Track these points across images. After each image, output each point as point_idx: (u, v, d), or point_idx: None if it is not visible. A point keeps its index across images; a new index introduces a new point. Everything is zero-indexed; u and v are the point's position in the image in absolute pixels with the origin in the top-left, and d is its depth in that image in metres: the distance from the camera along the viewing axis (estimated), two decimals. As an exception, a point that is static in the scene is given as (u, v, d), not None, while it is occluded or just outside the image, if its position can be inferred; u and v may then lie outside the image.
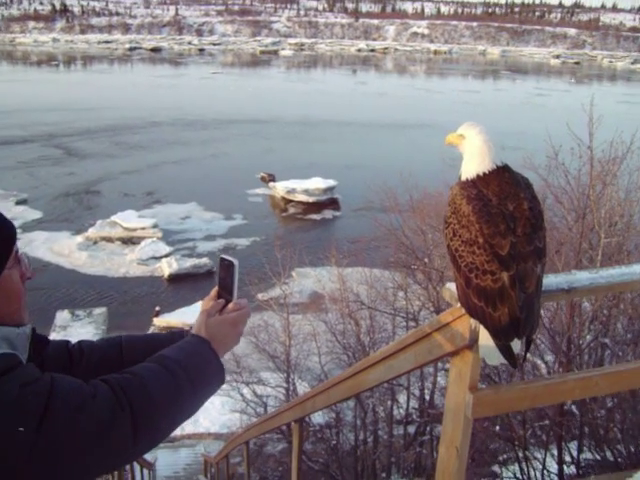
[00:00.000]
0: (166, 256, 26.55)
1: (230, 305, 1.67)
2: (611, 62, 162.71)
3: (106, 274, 25.49)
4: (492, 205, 1.77)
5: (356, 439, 12.04)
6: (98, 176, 38.08)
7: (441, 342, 2.04)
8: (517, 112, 61.22)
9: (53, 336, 16.62)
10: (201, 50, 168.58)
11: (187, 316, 19.27)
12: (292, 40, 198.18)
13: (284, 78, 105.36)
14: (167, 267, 25.46)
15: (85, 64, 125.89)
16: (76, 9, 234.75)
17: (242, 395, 13.42)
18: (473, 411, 1.96)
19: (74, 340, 1.86)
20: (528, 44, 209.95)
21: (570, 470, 5.31)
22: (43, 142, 47.00)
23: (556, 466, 5.26)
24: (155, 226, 29.08)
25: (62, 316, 22.02)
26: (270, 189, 35.92)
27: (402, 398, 12.48)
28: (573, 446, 5.59)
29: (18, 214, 28.44)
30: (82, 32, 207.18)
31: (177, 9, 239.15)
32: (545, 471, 5.37)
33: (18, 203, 30.94)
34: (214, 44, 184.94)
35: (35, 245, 26.46)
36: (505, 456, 6.36)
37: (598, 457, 5.11)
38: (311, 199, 33.76)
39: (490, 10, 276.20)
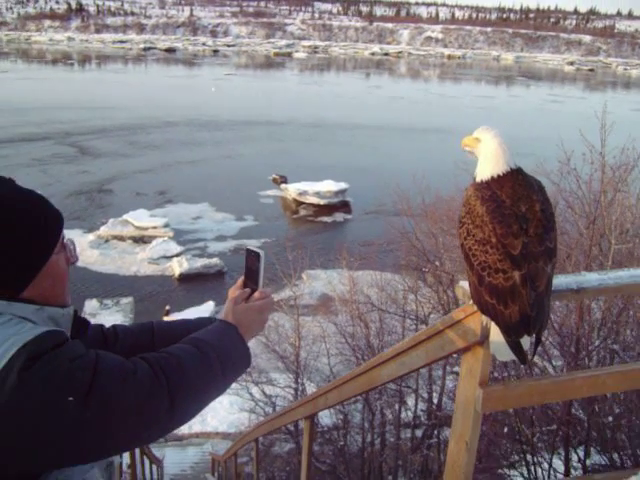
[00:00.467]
0: (177, 255, 26.66)
1: (256, 294, 1.77)
2: (626, 70, 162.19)
3: (117, 272, 25.64)
4: (505, 206, 1.83)
5: (363, 441, 12.07)
6: (111, 175, 38.27)
7: (453, 338, 2.10)
8: (531, 118, 61.05)
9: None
10: (215, 51, 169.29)
11: (197, 316, 19.37)
12: (306, 43, 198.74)
13: (298, 80, 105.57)
14: (178, 266, 25.56)
15: (100, 63, 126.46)
16: (92, 8, 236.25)
17: (251, 395, 13.47)
18: (483, 406, 2.02)
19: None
20: (542, 50, 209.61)
21: (577, 473, 5.35)
22: (57, 140, 47.28)
23: (563, 468, 5.30)
24: (166, 225, 29.21)
25: (91, 304, 22.67)
26: (282, 191, 35.98)
27: (410, 401, 12.50)
28: (580, 451, 5.63)
29: (31, 211, 28.45)
30: (97, 31, 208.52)
31: (192, 10, 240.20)
32: (552, 471, 5.42)
33: (31, 200, 30.85)
34: (228, 45, 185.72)
35: (47, 242, 26.56)
36: (512, 459, 6.39)
37: (605, 461, 5.14)
38: (322, 201, 33.80)
39: (505, 16, 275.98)
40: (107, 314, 21.65)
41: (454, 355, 2.43)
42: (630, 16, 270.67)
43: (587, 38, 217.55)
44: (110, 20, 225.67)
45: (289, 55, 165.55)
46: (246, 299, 1.76)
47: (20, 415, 1.22)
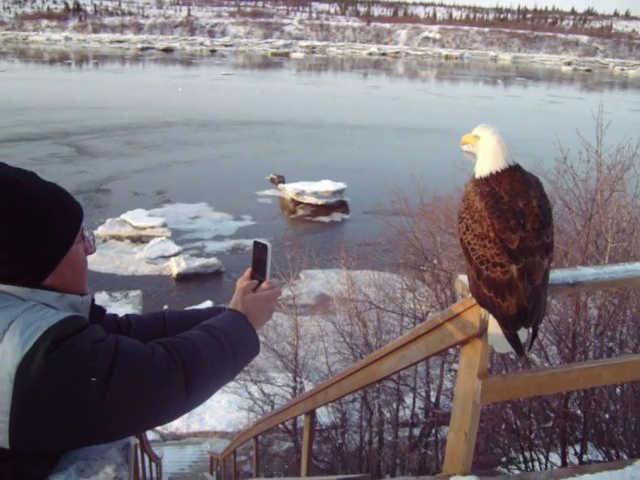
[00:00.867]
0: (175, 255, 26.63)
1: (263, 284, 1.84)
2: (623, 70, 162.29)
3: (115, 272, 25.62)
4: (503, 202, 1.88)
5: (361, 440, 12.10)
6: (108, 175, 38.22)
7: (452, 331, 2.15)
8: (529, 118, 61.11)
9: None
10: (213, 51, 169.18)
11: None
12: (303, 43, 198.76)
13: (295, 80, 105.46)
14: (175, 266, 25.56)
15: (97, 63, 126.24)
16: (89, 8, 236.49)
17: (249, 393, 13.49)
18: (482, 397, 2.07)
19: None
20: (539, 51, 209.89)
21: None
22: (54, 140, 47.18)
23: (560, 463, 5.35)
24: (164, 225, 29.19)
25: (101, 297, 22.58)
26: (279, 191, 35.96)
27: (408, 399, 12.54)
28: (578, 447, 5.68)
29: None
30: (95, 31, 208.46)
31: (189, 10, 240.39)
32: (549, 465, 5.47)
33: (29, 200, 30.88)
34: (226, 45, 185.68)
35: (45, 242, 26.55)
36: (510, 455, 6.45)
37: (602, 455, 5.19)
38: (320, 201, 33.79)
39: (502, 16, 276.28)
40: (117, 306, 21.76)
41: (452, 350, 2.47)
42: (627, 16, 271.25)
43: (584, 38, 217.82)
44: (107, 20, 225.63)
45: (287, 55, 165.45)
46: (254, 289, 1.83)
47: (45, 395, 1.28)
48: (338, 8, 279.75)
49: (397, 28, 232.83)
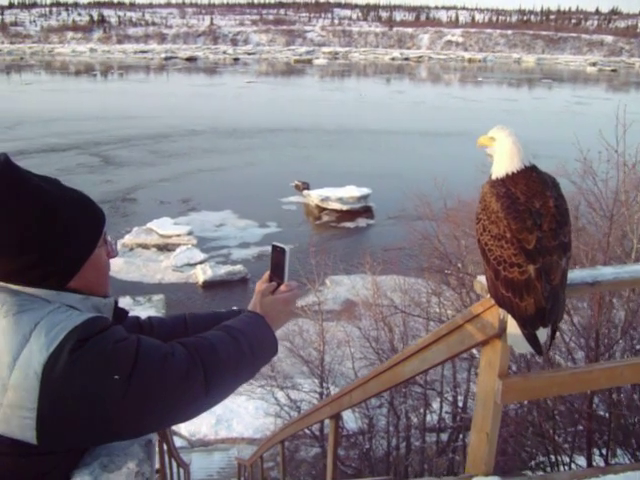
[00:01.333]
0: (201, 263, 26.75)
1: (282, 287, 1.89)
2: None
3: (142, 280, 25.81)
4: (520, 202, 1.90)
5: (389, 445, 12.09)
6: (134, 183, 38.58)
7: (472, 332, 2.16)
8: (555, 120, 60.55)
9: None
10: (236, 59, 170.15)
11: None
12: (326, 49, 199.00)
13: (319, 87, 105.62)
14: (201, 274, 25.68)
15: (122, 74, 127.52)
16: (113, 20, 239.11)
17: (276, 399, 13.54)
18: (502, 397, 2.08)
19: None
20: (564, 52, 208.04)
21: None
22: (81, 150, 47.72)
23: (585, 465, 5.31)
24: (190, 233, 29.37)
25: (124, 301, 22.86)
26: (304, 197, 35.99)
27: (435, 404, 12.48)
28: (604, 450, 5.63)
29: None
30: (119, 42, 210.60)
31: (212, 19, 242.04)
32: (574, 466, 5.43)
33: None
34: (249, 53, 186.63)
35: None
36: (537, 459, 6.40)
37: (628, 457, 5.14)
38: (345, 207, 33.76)
39: (525, 18, 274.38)
40: (140, 309, 22.04)
41: (478, 353, 2.48)
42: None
43: (609, 38, 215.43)
44: (131, 31, 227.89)
45: (309, 62, 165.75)
46: (272, 292, 1.88)
47: (70, 392, 1.34)
48: (360, 14, 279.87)
49: (419, 32, 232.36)
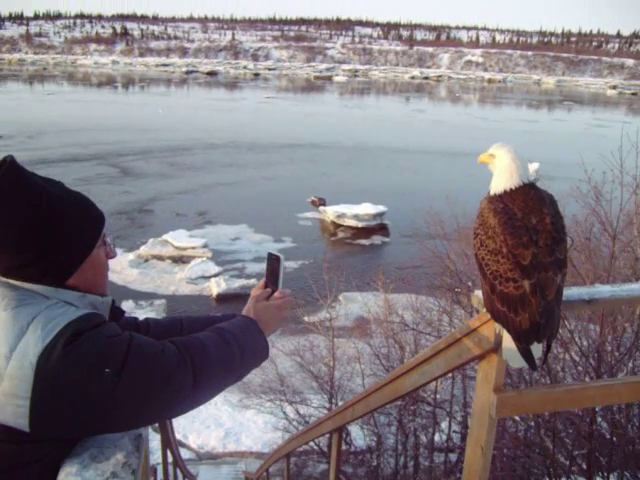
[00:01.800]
0: (215, 276, 26.81)
1: (276, 294, 1.96)
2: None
3: (156, 291, 25.90)
4: (516, 218, 1.93)
5: (396, 464, 12.05)
6: (152, 195, 38.84)
7: (469, 346, 2.19)
8: (575, 142, 60.30)
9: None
10: (256, 75, 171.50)
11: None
12: (346, 66, 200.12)
13: (338, 104, 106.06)
14: (215, 287, 25.73)
15: (143, 86, 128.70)
16: (136, 33, 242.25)
17: (285, 414, 13.53)
18: (497, 411, 2.09)
19: None
20: (584, 74, 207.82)
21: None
22: (100, 160, 48.13)
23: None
24: (205, 246, 29.47)
25: (127, 304, 23.18)
26: (320, 213, 36.07)
27: (444, 424, 12.44)
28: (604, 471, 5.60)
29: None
30: (141, 55, 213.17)
31: (234, 34, 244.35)
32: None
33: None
34: (269, 69, 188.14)
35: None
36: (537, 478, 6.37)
37: (628, 478, 5.12)
38: (360, 224, 33.77)
39: (546, 39, 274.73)
40: (142, 313, 22.38)
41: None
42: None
43: (630, 62, 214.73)
44: (154, 44, 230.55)
45: (329, 79, 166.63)
46: (267, 298, 1.95)
47: (63, 383, 1.40)
48: (381, 32, 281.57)
49: (440, 52, 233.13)
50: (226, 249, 30.52)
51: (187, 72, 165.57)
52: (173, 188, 40.74)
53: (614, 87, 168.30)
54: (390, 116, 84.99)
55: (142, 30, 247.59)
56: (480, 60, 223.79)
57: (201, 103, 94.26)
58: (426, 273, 16.69)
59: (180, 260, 28.65)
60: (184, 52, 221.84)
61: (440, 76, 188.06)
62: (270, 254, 1.99)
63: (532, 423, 5.86)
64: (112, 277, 25.88)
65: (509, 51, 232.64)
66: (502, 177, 2.02)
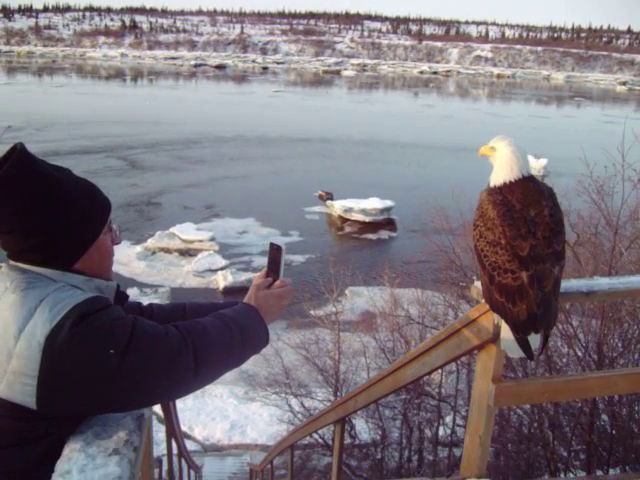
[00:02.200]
0: (222, 269, 26.85)
1: (277, 282, 2.00)
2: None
3: (163, 284, 25.89)
4: (515, 210, 1.95)
5: (401, 457, 12.05)
6: (160, 188, 38.88)
7: (469, 337, 2.21)
8: (585, 138, 60.10)
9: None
10: (265, 68, 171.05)
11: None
12: (355, 61, 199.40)
13: (347, 98, 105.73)
14: (222, 280, 25.76)
15: (152, 79, 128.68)
16: (145, 26, 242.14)
17: (290, 407, 13.56)
18: (495, 400, 2.12)
19: None
20: (594, 70, 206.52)
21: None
22: (108, 153, 48.18)
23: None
24: (212, 239, 29.49)
25: (132, 291, 22.86)
26: (327, 207, 36.04)
27: (448, 418, 12.43)
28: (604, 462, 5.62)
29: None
30: (150, 48, 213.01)
31: (242, 28, 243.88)
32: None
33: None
34: (278, 63, 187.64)
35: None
36: (533, 469, 6.39)
37: (629, 470, 5.13)
38: (367, 219, 33.73)
39: (556, 35, 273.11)
40: (146, 300, 22.19)
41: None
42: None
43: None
44: (162, 37, 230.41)
45: (338, 73, 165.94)
46: (268, 287, 1.99)
47: (69, 363, 1.46)
48: (390, 27, 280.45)
49: (449, 47, 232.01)
50: (233, 242, 30.55)
51: (196, 65, 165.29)
52: (181, 181, 40.78)
53: (624, 83, 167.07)
54: (398, 111, 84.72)
55: (151, 23, 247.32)
56: (489, 55, 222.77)
57: (210, 96, 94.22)
58: (432, 267, 16.68)
59: (187, 253, 28.70)
60: (193, 45, 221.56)
61: (449, 71, 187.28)
62: (272, 244, 2.03)
63: (536, 417, 5.87)
64: (119, 269, 25.98)
65: (518, 46, 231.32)
66: (502, 169, 2.04)
